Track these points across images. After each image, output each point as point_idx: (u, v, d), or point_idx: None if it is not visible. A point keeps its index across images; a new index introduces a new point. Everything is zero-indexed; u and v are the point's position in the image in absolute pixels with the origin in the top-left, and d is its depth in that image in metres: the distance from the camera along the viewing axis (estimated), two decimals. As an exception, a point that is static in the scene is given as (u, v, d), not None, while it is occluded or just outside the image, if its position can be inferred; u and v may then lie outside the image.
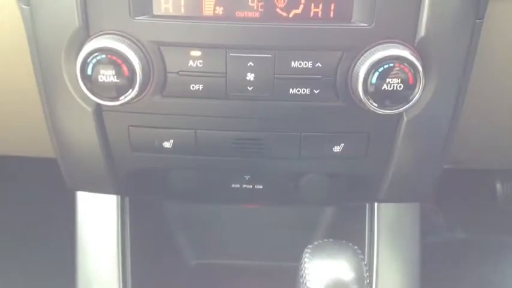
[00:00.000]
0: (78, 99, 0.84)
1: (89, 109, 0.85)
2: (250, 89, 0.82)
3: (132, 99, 0.79)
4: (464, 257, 1.52)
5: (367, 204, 1.03)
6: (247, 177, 1.03)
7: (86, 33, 0.79)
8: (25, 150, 1.12)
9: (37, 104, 0.93)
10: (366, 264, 0.78)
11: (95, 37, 0.78)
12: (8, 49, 0.92)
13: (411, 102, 0.78)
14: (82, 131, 0.89)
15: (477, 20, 0.81)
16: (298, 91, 0.82)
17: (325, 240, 0.81)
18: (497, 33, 0.87)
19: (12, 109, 1.02)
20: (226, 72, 0.81)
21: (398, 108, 0.78)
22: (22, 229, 1.46)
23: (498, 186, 1.66)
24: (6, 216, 1.47)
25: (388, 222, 1.02)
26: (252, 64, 0.80)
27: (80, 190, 1.02)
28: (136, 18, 0.78)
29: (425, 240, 1.09)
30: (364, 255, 0.93)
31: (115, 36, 0.78)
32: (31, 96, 0.93)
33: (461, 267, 1.48)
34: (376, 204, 1.02)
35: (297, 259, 0.80)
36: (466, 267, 1.48)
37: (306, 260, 0.78)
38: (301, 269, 0.78)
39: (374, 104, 0.78)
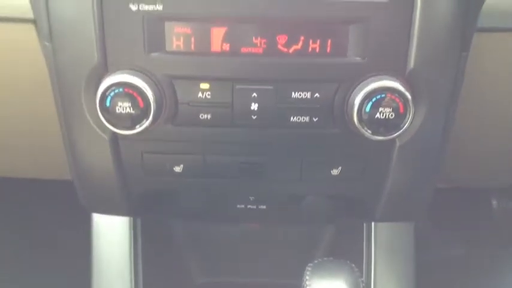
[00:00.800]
0: (96, 128, 0.91)
1: (106, 137, 0.92)
2: (254, 117, 0.88)
3: (146, 128, 0.85)
4: (461, 272, 1.56)
5: (364, 224, 1.09)
6: (251, 198, 1.09)
7: (104, 68, 0.85)
8: (43, 173, 1.19)
9: (55, 130, 0.99)
10: (363, 281, 0.84)
11: (112, 72, 0.85)
12: (29, 80, 0.99)
13: (402, 129, 0.84)
14: (98, 157, 0.96)
15: (463, 53, 0.89)
16: (299, 119, 0.89)
17: (325, 259, 0.87)
18: (484, 61, 0.94)
19: (32, 134, 1.08)
20: (232, 103, 0.87)
21: (390, 135, 0.85)
22: (38, 249, 1.52)
23: (494, 202, 1.71)
24: (24, 238, 1.53)
25: (384, 241, 1.07)
26: (256, 95, 0.87)
27: (95, 212, 1.08)
28: (151, 54, 0.85)
29: (423, 256, 1.14)
30: (361, 273, 0.98)
31: (131, 71, 0.85)
32: (50, 123, 1.00)
33: (459, 283, 1.51)
34: (373, 223, 1.07)
35: (299, 277, 0.86)
36: (464, 283, 1.52)
37: (307, 277, 0.84)
38: (303, 286, 0.84)
39: (368, 131, 0.85)
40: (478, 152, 1.12)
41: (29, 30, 0.92)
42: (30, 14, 0.90)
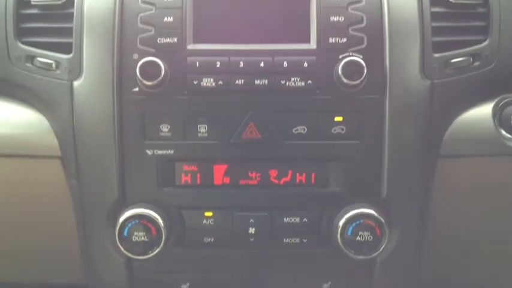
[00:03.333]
0: (114, 253, 1.03)
1: (121, 260, 1.04)
2: (251, 240, 1.01)
3: (158, 253, 0.98)
4: None
5: None
6: None
7: (123, 202, 1.00)
8: (58, 279, 1.28)
9: (73, 245, 1.09)
10: None
11: (130, 205, 1.00)
12: (52, 207, 1.11)
13: (380, 250, 0.97)
14: (113, 276, 1.07)
15: (428, 179, 1.03)
16: (290, 240, 1.02)
17: None
18: (449, 183, 1.07)
19: (48, 247, 1.18)
20: (232, 228, 1.01)
21: (370, 255, 0.97)
22: None
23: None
24: None
25: None
26: (253, 221, 1.01)
27: None
28: (163, 189, 1.00)
29: None
30: None
31: (146, 204, 0.99)
32: (69, 241, 1.10)
33: None
34: None
35: None
36: None
37: None
38: None
39: (351, 251, 0.97)
40: (459, 255, 1.22)
41: (55, 165, 1.05)
42: (57, 152, 1.04)
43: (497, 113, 1.06)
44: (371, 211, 0.97)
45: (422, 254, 1.07)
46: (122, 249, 0.98)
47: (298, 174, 1.01)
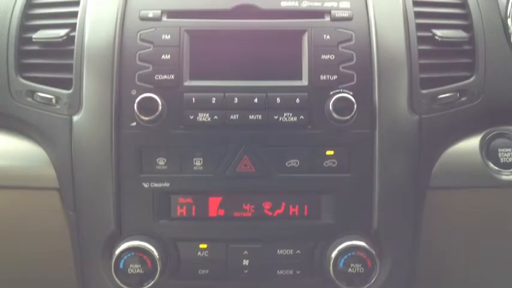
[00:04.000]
0: (109, 284, 1.04)
1: None
2: (246, 271, 1.03)
3: (153, 284, 0.99)
4: None
5: None
6: None
7: (119, 234, 1.02)
8: None
9: (71, 275, 1.10)
10: None
11: (126, 237, 1.01)
12: (50, 238, 1.12)
13: (372, 281, 0.99)
14: None
15: (418, 210, 1.06)
16: (284, 272, 1.03)
17: None
18: (439, 215, 1.09)
19: (48, 278, 1.18)
20: (226, 259, 1.03)
21: (362, 287, 0.99)
22: None
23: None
24: None
25: None
26: (247, 253, 1.03)
27: None
28: (159, 221, 1.02)
29: None
30: None
31: (141, 236, 1.01)
32: (67, 271, 1.11)
33: None
34: None
35: None
36: None
37: None
38: None
39: (343, 283, 0.99)
40: (452, 286, 1.23)
41: (53, 196, 1.07)
42: (55, 184, 1.06)
43: (484, 146, 1.09)
44: (362, 243, 0.99)
45: (414, 285, 1.09)
46: (118, 281, 0.99)
47: (291, 206, 1.03)
